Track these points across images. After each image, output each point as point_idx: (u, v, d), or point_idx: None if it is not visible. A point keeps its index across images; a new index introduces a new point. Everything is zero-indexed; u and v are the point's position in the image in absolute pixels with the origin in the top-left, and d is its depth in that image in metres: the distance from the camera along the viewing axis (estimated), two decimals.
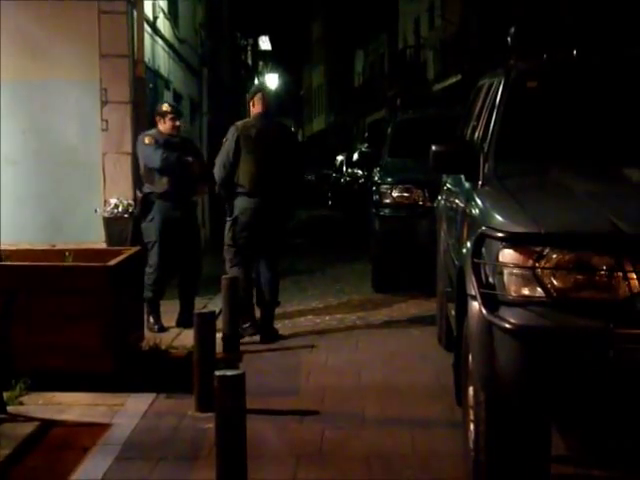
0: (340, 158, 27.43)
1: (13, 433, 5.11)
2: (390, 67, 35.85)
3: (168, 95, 12.89)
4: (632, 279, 3.60)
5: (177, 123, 8.16)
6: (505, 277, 3.76)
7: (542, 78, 5.41)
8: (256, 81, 29.57)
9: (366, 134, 28.29)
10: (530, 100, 5.31)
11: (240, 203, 7.58)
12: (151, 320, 7.89)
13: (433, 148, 5.22)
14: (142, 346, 6.92)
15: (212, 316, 5.99)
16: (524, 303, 3.70)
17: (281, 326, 8.19)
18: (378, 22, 37.83)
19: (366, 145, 21.59)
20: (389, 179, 10.08)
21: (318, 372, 6.64)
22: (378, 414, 5.61)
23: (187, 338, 7.43)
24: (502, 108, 5.18)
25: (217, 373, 3.97)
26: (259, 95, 7.82)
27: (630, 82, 5.24)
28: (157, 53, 12.05)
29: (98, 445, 5.01)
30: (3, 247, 7.19)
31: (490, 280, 3.85)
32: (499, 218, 4.06)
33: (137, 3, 10.05)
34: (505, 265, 3.76)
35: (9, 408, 5.48)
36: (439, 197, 7.41)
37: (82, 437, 5.14)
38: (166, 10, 12.76)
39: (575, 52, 5.56)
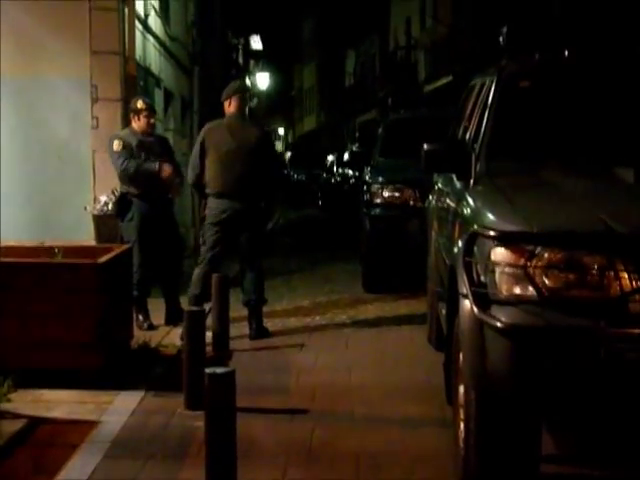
0: (331, 158, 27.40)
1: (1, 430, 5.08)
2: (381, 67, 35.86)
3: (159, 93, 12.86)
4: (624, 278, 3.60)
5: (152, 121, 8.09)
6: (497, 276, 3.75)
7: (534, 78, 5.41)
8: (247, 81, 29.53)
9: (357, 134, 28.26)
10: (522, 100, 5.30)
11: (209, 203, 7.60)
12: (140, 318, 7.87)
13: (425, 147, 5.22)
14: (131, 344, 6.90)
15: (202, 314, 5.97)
16: (516, 302, 3.70)
17: (271, 325, 8.17)
18: (369, 22, 37.82)
19: (357, 145, 21.55)
20: (380, 179, 10.08)
21: (308, 371, 6.63)
22: (368, 413, 5.60)
23: (176, 336, 7.43)
24: (494, 108, 5.18)
25: (207, 371, 3.95)
26: (238, 96, 7.65)
27: (622, 82, 5.24)
28: (148, 51, 12.02)
29: (86, 443, 4.99)
30: None
31: (482, 279, 3.84)
32: (491, 217, 4.05)
33: (128, 0, 10.02)
34: (497, 264, 3.75)
35: None
36: (430, 197, 7.40)
37: (70, 434, 5.12)
38: (157, 7, 12.73)
39: (567, 52, 5.56)
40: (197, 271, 7.64)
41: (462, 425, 4.28)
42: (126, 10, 10.03)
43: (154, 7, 12.37)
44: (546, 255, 3.67)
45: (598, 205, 3.92)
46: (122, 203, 8.00)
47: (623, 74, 5.30)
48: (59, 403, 5.66)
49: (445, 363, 4.82)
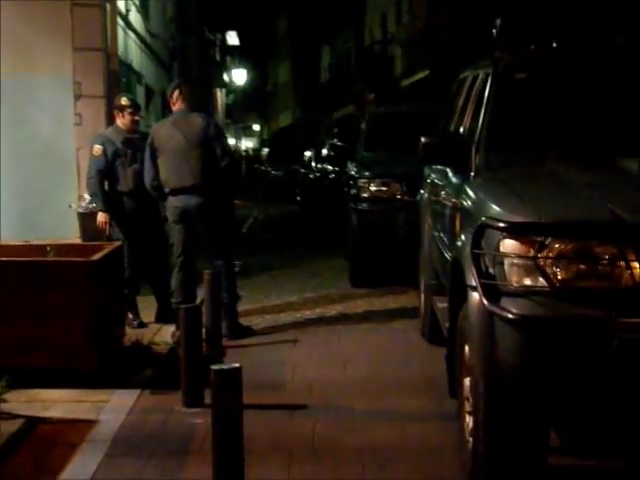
0: (309, 154, 27.33)
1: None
2: (357, 62, 35.83)
3: (140, 89, 12.78)
4: (635, 268, 3.59)
5: (136, 117, 8.03)
6: (506, 267, 3.74)
7: (530, 69, 5.41)
8: (225, 76, 29.42)
9: (336, 129, 28.19)
10: (519, 91, 5.30)
11: (168, 203, 7.51)
12: (130, 316, 7.81)
13: (422, 140, 5.21)
14: (124, 342, 6.84)
15: (198, 311, 5.92)
16: (526, 293, 3.68)
17: (261, 321, 8.14)
18: (344, 17, 37.79)
19: (336, 140, 21.47)
20: (367, 173, 10.04)
21: (303, 366, 6.59)
22: (367, 407, 5.57)
23: (167, 333, 7.38)
24: (491, 100, 5.17)
25: (214, 367, 3.90)
26: (178, 91, 7.52)
27: (618, 72, 5.25)
28: (129, 47, 11.95)
29: (86, 442, 4.95)
30: None
31: (490, 271, 3.83)
32: (497, 209, 4.03)
33: None
34: (506, 255, 3.74)
35: None
36: (422, 191, 7.38)
37: (69, 434, 5.07)
38: (138, 4, 12.65)
39: (558, 43, 5.57)
40: (174, 279, 7.53)
41: (468, 418, 4.27)
42: (108, 6, 9.96)
43: (135, 3, 12.30)
44: (556, 246, 3.66)
45: (605, 195, 3.92)
46: (108, 198, 7.94)
47: (619, 64, 5.31)
48: (55, 402, 5.60)
49: (447, 356, 4.80)
